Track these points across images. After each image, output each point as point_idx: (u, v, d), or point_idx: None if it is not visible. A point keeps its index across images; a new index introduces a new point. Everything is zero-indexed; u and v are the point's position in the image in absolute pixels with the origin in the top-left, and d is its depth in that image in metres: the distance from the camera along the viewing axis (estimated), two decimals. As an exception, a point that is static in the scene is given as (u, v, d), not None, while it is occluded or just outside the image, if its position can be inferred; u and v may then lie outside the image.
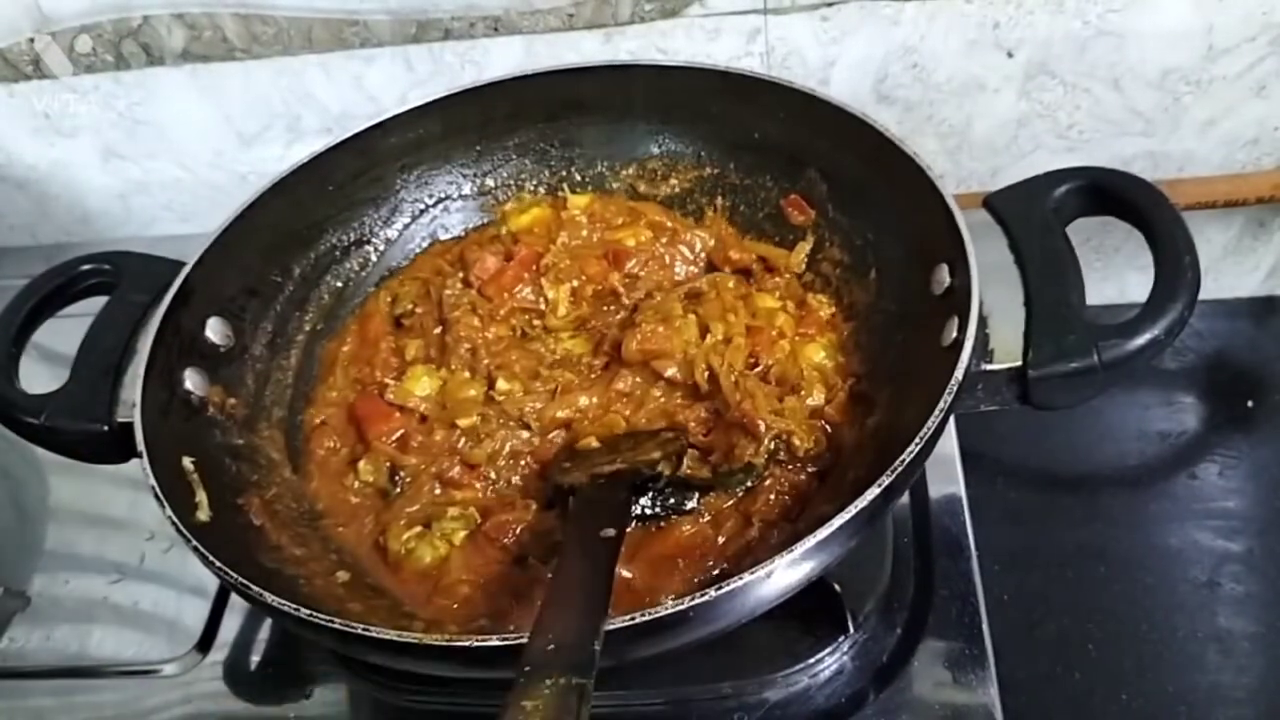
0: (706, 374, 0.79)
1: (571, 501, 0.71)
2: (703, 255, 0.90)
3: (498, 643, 0.56)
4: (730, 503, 0.74)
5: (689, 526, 0.73)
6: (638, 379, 0.81)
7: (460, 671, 0.60)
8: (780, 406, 0.76)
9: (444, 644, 0.57)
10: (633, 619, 0.55)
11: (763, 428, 0.74)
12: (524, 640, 0.53)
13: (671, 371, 0.80)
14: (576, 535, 0.65)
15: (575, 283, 0.87)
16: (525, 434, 0.80)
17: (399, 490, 0.79)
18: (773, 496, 0.73)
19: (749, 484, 0.74)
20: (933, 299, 0.73)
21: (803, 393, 0.78)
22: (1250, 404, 0.99)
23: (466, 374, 0.83)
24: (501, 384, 0.82)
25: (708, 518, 0.73)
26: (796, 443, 0.74)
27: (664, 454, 0.74)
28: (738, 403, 0.76)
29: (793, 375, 0.79)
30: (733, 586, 0.56)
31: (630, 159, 0.94)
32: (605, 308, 0.87)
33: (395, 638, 0.57)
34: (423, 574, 0.73)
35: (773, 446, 0.74)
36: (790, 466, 0.75)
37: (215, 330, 0.81)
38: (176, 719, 0.80)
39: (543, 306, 0.87)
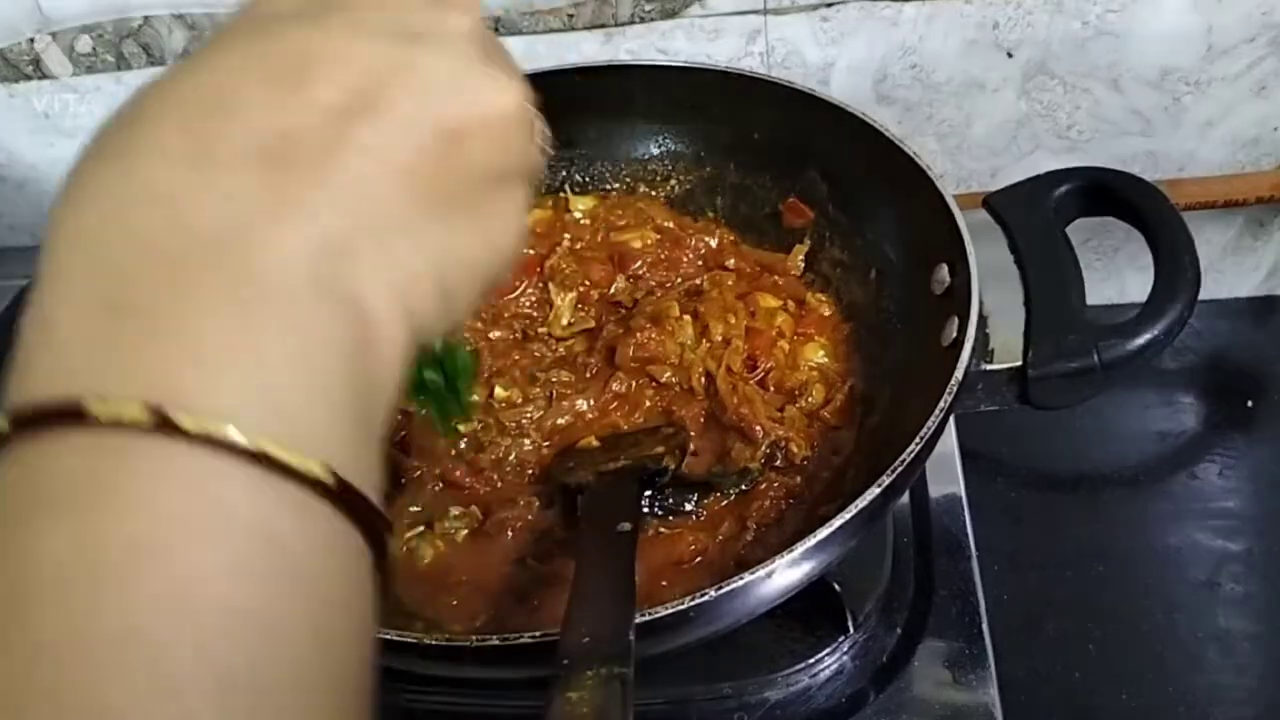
0: (703, 379, 0.79)
1: (581, 500, 0.71)
2: (707, 258, 0.90)
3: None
4: (725, 504, 0.73)
5: (687, 532, 0.72)
6: (634, 381, 0.81)
7: (461, 671, 0.60)
8: (780, 415, 0.76)
9: (462, 645, 0.56)
10: (633, 619, 0.55)
11: (760, 433, 0.74)
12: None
13: (668, 376, 0.80)
14: (593, 532, 0.65)
15: (580, 289, 0.87)
16: (527, 442, 0.79)
17: (401, 489, 0.78)
18: (768, 501, 0.73)
19: (743, 487, 0.74)
20: (932, 299, 0.73)
21: (801, 397, 0.78)
22: (1250, 404, 0.99)
23: (467, 378, 0.83)
24: (499, 391, 0.81)
25: (704, 516, 0.73)
26: (795, 449, 0.74)
27: (667, 449, 0.74)
28: (735, 406, 0.76)
29: (791, 380, 0.79)
30: (733, 586, 0.56)
31: (630, 159, 0.94)
32: (610, 316, 0.87)
33: (396, 637, 0.57)
34: (423, 573, 0.73)
35: (769, 452, 0.74)
36: (787, 472, 0.74)
37: (216, 330, 0.80)
38: (177, 719, 0.79)
39: (547, 313, 0.87)
